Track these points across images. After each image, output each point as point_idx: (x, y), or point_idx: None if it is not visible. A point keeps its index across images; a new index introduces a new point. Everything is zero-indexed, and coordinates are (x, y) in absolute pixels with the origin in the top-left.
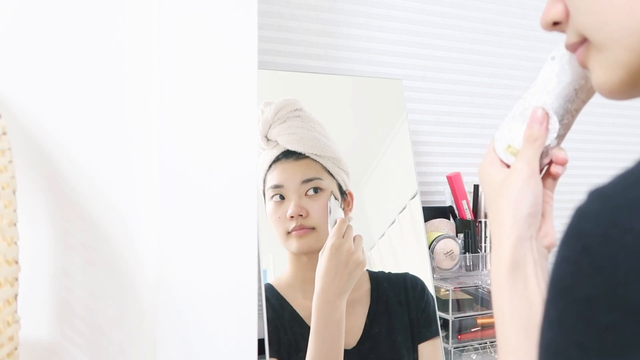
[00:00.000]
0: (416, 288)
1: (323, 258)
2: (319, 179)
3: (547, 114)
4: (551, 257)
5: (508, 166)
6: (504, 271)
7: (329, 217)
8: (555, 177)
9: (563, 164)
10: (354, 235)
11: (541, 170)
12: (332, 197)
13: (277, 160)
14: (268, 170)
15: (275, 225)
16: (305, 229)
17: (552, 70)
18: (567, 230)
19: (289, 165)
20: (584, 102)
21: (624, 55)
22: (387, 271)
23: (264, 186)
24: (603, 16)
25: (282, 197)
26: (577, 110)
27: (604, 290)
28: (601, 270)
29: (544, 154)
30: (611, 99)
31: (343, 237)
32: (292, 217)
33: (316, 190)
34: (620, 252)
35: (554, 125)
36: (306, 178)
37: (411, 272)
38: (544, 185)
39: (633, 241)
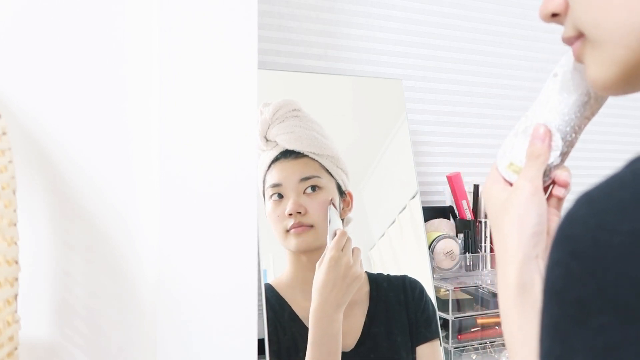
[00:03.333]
0: (415, 290)
1: (321, 270)
2: (317, 177)
3: (549, 131)
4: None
5: (511, 184)
6: (511, 293)
7: (328, 226)
8: (559, 199)
9: (565, 186)
10: (352, 248)
11: (545, 190)
12: (332, 206)
13: (276, 160)
14: (267, 170)
15: (275, 224)
16: (303, 227)
17: (554, 88)
18: (556, 235)
19: (287, 164)
20: (588, 119)
21: (619, 52)
22: (385, 273)
23: (264, 186)
24: (601, 13)
25: (280, 196)
26: (581, 128)
27: (593, 293)
28: (591, 272)
29: (547, 172)
30: (606, 94)
31: (342, 249)
32: (290, 214)
33: (314, 188)
34: (608, 254)
35: (557, 143)
36: (304, 176)
37: (411, 272)
38: (549, 204)
39: (620, 243)
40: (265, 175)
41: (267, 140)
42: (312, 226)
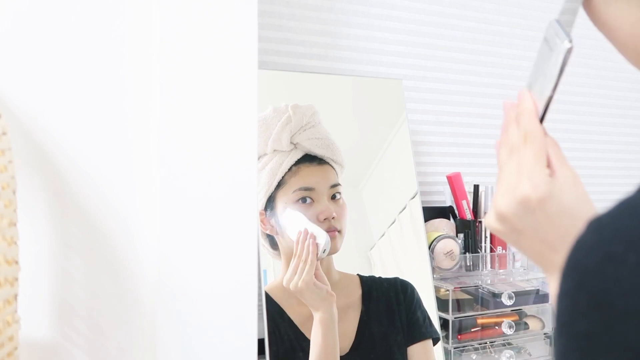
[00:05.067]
0: (406, 292)
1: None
2: (339, 184)
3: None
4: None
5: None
6: None
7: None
8: None
9: None
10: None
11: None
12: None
13: (299, 163)
14: (288, 172)
15: None
16: (334, 231)
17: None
18: (566, 261)
19: (315, 169)
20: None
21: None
22: (377, 275)
23: (280, 188)
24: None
25: (305, 200)
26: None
27: (600, 328)
28: (597, 306)
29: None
30: None
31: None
32: (325, 218)
33: (336, 195)
34: (615, 287)
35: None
36: (333, 183)
37: (411, 272)
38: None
39: (628, 276)
40: (284, 177)
41: (290, 142)
42: (339, 231)
